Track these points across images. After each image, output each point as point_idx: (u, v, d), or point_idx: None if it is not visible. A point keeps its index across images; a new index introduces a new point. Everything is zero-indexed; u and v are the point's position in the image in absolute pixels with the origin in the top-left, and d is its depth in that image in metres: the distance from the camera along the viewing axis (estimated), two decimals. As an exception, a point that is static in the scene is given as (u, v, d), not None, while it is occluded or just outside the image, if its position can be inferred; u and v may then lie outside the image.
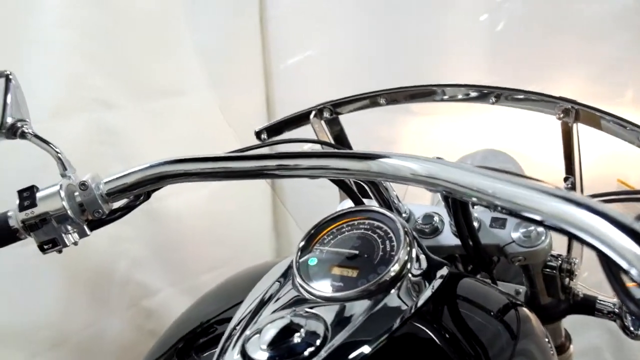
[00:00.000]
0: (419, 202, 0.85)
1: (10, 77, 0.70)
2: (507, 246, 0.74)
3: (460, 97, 0.83)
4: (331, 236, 0.64)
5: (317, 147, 0.83)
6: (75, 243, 0.64)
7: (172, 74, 1.48)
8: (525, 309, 0.64)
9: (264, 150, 0.74)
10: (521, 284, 0.83)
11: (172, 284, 1.53)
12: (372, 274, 0.57)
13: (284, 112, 0.94)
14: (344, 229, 0.64)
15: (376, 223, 0.63)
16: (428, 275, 0.60)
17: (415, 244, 0.61)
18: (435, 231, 0.79)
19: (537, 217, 0.42)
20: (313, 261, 0.62)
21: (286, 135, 0.93)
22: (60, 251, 0.64)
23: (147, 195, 0.68)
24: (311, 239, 0.64)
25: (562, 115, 0.75)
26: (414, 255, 0.59)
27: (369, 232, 0.62)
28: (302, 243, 0.63)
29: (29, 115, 0.71)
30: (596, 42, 1.30)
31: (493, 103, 0.81)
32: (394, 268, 0.57)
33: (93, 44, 1.30)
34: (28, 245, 0.67)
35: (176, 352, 0.64)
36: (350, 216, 0.65)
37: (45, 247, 0.63)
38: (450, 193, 0.51)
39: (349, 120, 0.95)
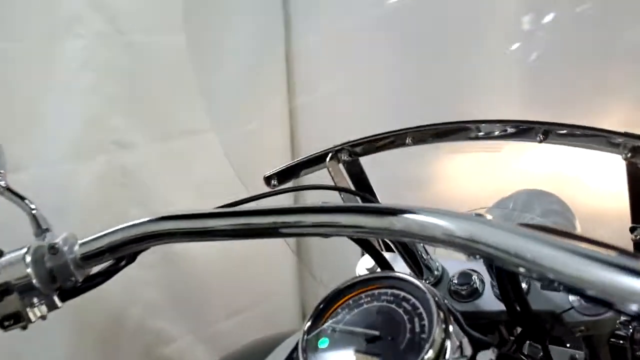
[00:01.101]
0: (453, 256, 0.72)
1: None
2: (565, 314, 0.61)
3: (498, 134, 0.71)
4: (347, 309, 0.52)
5: (332, 196, 0.72)
6: (43, 317, 0.54)
7: (190, 114, 1.42)
8: None
9: (272, 200, 0.64)
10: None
11: (189, 331, 1.45)
12: None
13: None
14: (362, 300, 0.53)
15: (402, 294, 0.51)
16: None
17: (452, 320, 0.49)
18: (474, 293, 0.66)
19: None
20: (324, 343, 0.50)
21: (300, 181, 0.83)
22: (24, 328, 0.54)
23: (132, 257, 0.59)
24: (320, 315, 0.52)
25: (629, 155, 0.63)
26: (451, 335, 0.48)
27: (393, 306, 0.51)
28: (309, 323, 0.52)
29: (5, 167, 0.63)
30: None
31: (541, 141, 0.68)
32: (428, 356, 0.45)
33: (112, 86, 1.28)
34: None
35: None
36: (369, 284, 0.53)
37: (6, 323, 0.53)
38: (492, 260, 0.41)
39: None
